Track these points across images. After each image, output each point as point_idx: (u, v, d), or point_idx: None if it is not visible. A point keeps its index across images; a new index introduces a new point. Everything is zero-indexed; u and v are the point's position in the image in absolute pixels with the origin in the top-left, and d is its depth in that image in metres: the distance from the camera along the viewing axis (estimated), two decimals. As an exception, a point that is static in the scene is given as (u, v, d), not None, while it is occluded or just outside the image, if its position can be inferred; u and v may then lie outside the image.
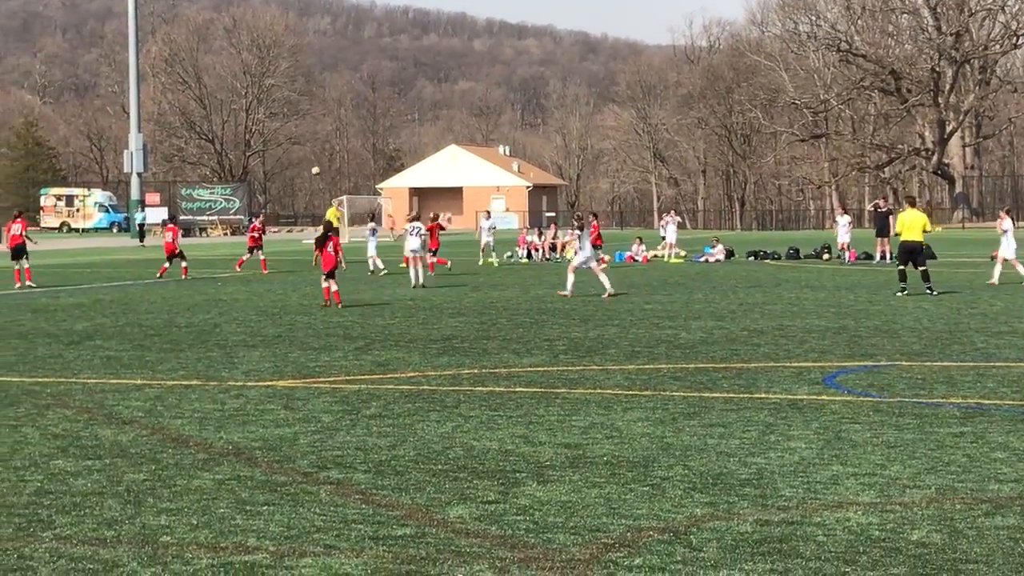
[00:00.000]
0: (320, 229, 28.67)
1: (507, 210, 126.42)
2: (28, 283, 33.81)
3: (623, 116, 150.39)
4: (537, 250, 51.90)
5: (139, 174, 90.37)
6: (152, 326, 22.96)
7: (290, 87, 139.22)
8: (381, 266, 39.58)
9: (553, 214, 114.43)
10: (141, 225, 79.94)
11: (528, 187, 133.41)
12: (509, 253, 52.41)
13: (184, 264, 37.80)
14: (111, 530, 8.67)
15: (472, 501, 9.44)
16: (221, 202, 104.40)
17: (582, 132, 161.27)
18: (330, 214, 52.55)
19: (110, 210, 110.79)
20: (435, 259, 38.77)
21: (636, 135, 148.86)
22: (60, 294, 31.28)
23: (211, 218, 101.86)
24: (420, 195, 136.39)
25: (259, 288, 33.28)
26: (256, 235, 42.39)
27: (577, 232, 29.74)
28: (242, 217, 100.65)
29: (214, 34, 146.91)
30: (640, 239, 54.05)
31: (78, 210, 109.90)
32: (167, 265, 38.15)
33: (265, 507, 9.28)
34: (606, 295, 29.08)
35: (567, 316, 24.79)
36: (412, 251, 33.24)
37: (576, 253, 30.19)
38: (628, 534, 8.54)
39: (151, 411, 13.55)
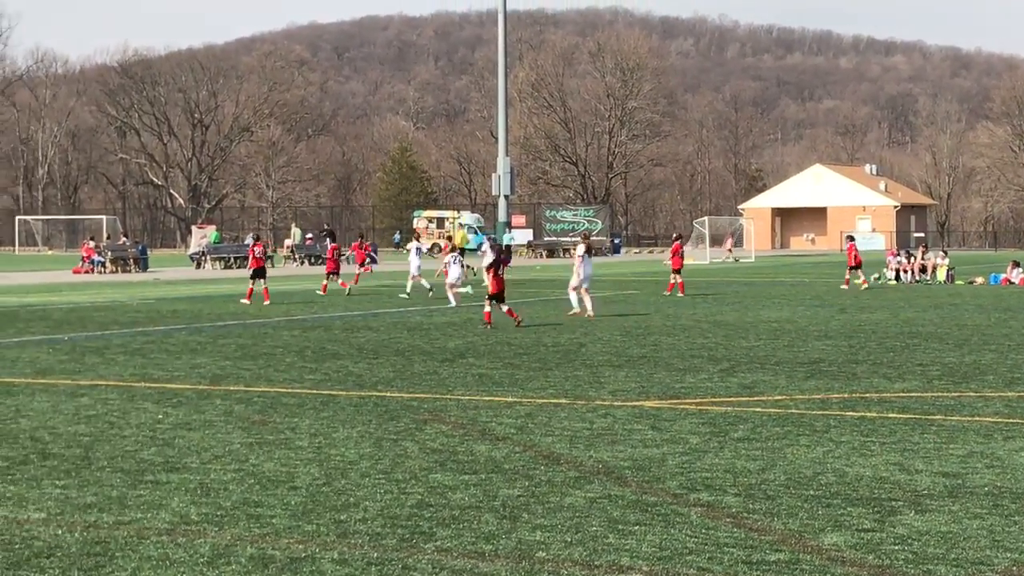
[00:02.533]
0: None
1: (873, 230, 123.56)
2: (265, 303, 34.64)
3: (997, 133, 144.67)
4: (906, 272, 50.50)
5: (506, 196, 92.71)
6: (520, 345, 23.48)
7: (652, 109, 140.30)
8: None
9: (922, 234, 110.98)
10: (508, 246, 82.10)
11: (895, 207, 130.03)
12: (877, 275, 51.18)
13: (341, 281, 40.30)
14: (489, 544, 8.90)
15: (847, 528, 9.24)
16: (584, 223, 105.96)
17: (953, 150, 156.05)
18: (458, 237, 53.87)
19: (478, 231, 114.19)
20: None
21: (1012, 152, 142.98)
22: (434, 313, 32.39)
23: (574, 239, 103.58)
24: (783, 215, 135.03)
25: (621, 308, 33.58)
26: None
27: (581, 254, 30.32)
28: (604, 239, 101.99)
29: (579, 58, 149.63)
30: (1016, 262, 51.79)
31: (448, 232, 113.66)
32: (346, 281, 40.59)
33: (637, 527, 9.33)
34: (588, 315, 29.74)
35: (940, 340, 24.00)
36: (451, 281, 34.46)
37: (578, 274, 30.56)
38: (1014, 568, 8.18)
39: (522, 428, 13.85)
